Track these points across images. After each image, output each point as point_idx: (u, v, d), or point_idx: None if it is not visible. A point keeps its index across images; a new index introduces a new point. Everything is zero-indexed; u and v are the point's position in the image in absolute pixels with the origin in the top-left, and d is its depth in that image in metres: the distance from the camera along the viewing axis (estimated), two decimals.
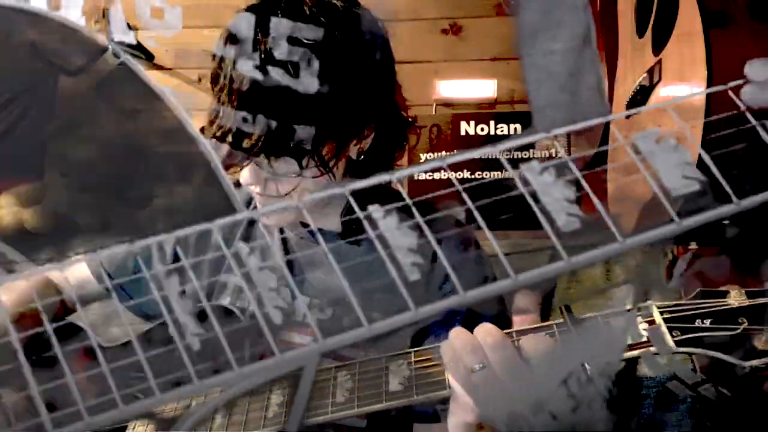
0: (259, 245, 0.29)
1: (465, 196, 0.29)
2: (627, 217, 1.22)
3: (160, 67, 1.96)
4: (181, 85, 1.95)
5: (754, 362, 0.55)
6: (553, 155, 1.83)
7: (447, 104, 1.93)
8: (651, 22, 1.09)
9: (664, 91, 1.00)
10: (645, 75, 1.05)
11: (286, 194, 0.77)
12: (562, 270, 0.28)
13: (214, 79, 0.77)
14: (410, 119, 0.87)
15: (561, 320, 0.63)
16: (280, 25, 0.71)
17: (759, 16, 0.86)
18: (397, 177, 0.30)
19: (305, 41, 0.71)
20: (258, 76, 0.70)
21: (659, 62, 1.02)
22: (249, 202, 0.93)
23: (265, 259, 0.27)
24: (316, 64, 0.71)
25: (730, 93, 0.34)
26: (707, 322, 0.58)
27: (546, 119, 0.67)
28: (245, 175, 0.77)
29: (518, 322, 0.64)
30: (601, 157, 1.36)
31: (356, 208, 0.29)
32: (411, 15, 1.90)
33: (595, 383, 0.65)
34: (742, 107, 0.33)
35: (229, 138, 0.73)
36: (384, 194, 0.32)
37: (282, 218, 0.82)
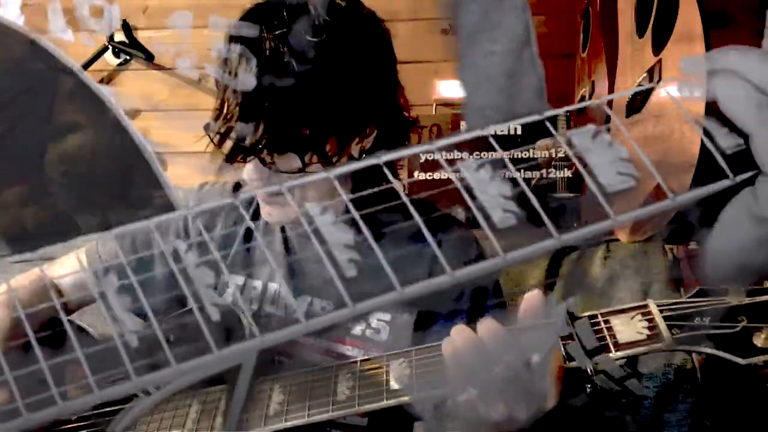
0: (196, 241, 0.29)
1: (466, 195, 0.29)
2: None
3: (160, 67, 1.95)
4: (181, 85, 1.95)
5: (753, 360, 0.55)
6: (553, 156, 1.83)
7: (447, 104, 1.93)
8: (651, 22, 1.09)
9: (664, 91, 1.00)
10: (645, 75, 1.05)
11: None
12: (552, 247, 0.28)
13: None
14: (412, 119, 0.88)
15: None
16: (284, 25, 0.72)
17: (759, 15, 0.86)
18: (384, 160, 0.30)
19: (309, 40, 0.71)
20: (262, 75, 0.71)
21: (659, 62, 1.02)
22: (250, 202, 0.94)
23: (203, 255, 0.27)
24: (319, 63, 0.71)
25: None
26: (706, 320, 0.58)
27: (484, 121, 0.68)
28: (248, 172, 0.78)
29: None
30: None
31: (344, 196, 0.30)
32: (411, 15, 1.90)
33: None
34: (683, 110, 0.34)
35: (233, 135, 0.73)
36: (387, 194, 0.32)
37: (283, 216, 0.82)
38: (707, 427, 1.28)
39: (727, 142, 0.33)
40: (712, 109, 0.36)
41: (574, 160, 0.29)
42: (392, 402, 0.63)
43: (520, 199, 0.29)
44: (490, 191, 0.28)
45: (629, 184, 0.29)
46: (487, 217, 0.29)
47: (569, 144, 0.30)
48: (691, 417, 1.27)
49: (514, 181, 0.28)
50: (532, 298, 0.63)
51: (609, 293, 1.40)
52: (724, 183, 0.31)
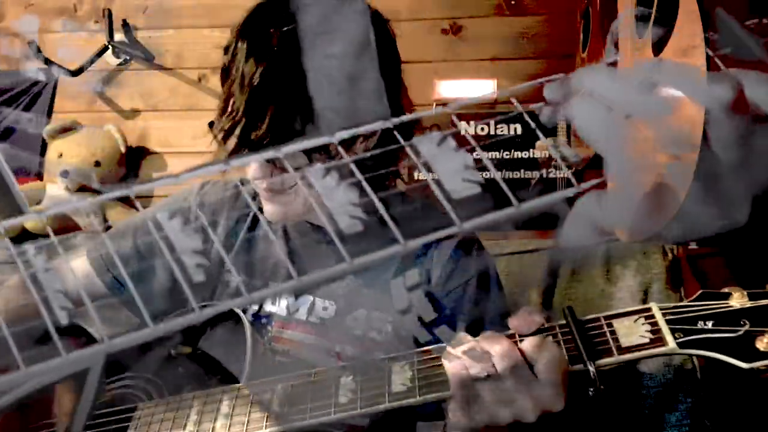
0: (45, 245, 0.30)
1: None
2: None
3: (160, 67, 1.95)
4: (181, 85, 1.95)
5: (756, 364, 0.55)
6: (551, 157, 1.83)
7: (447, 104, 1.93)
8: (651, 22, 1.08)
9: (664, 91, 0.99)
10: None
11: (291, 187, 0.77)
12: (397, 253, 0.28)
13: (225, 73, 0.78)
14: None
15: (563, 322, 0.62)
16: (291, 21, 0.72)
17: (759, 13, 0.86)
18: (337, 138, 0.31)
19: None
20: (270, 71, 0.71)
21: (659, 62, 1.01)
22: (254, 197, 0.93)
23: (51, 258, 0.28)
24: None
25: (514, 101, 0.35)
26: (709, 324, 0.58)
27: (326, 122, 0.69)
28: (252, 171, 0.78)
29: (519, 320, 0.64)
30: (600, 158, 1.36)
31: (289, 168, 0.30)
32: (411, 15, 1.90)
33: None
34: (534, 125, 0.35)
35: (238, 130, 0.73)
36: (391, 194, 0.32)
37: (286, 214, 0.82)
38: (707, 427, 1.28)
39: (571, 151, 0.35)
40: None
41: (420, 168, 0.30)
42: (394, 404, 0.62)
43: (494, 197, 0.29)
44: (337, 197, 0.28)
45: (474, 191, 0.29)
46: (334, 223, 0.30)
47: (415, 151, 0.31)
48: (691, 417, 1.27)
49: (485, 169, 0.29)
50: (529, 314, 0.63)
51: (609, 293, 1.40)
52: (569, 191, 0.32)
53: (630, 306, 0.63)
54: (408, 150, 0.30)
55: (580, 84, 0.38)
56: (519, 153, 1.83)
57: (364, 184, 0.30)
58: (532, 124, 0.32)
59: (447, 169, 0.30)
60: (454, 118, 0.38)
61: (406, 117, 0.33)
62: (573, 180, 0.33)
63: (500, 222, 0.29)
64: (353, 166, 0.31)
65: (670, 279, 1.38)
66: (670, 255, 1.41)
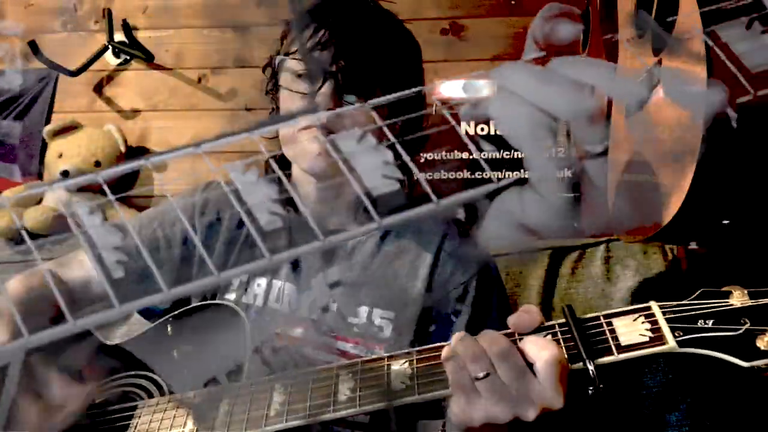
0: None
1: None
2: (632, 207, 1.22)
3: (160, 67, 1.95)
4: (181, 85, 1.95)
5: (757, 363, 0.55)
6: (553, 155, 1.83)
7: (446, 104, 1.93)
8: (651, 21, 1.08)
9: (583, 88, 0.99)
10: (645, 75, 1.04)
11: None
12: (319, 249, 0.29)
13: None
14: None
15: (563, 320, 0.62)
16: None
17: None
18: (257, 133, 0.31)
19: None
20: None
21: (659, 62, 1.02)
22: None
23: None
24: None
25: (435, 99, 0.36)
26: (710, 323, 0.58)
27: None
28: (320, 98, 0.82)
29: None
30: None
31: (266, 153, 0.31)
32: (411, 15, 1.90)
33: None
34: (454, 125, 0.36)
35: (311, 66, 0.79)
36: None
37: (325, 166, 0.85)
38: (707, 427, 1.28)
39: (489, 146, 0.36)
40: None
41: (341, 165, 0.30)
42: (394, 403, 0.62)
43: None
44: (258, 193, 0.29)
45: (393, 188, 0.30)
46: (254, 220, 0.30)
47: (335, 148, 0.31)
48: (691, 417, 1.27)
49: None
50: (528, 312, 0.63)
51: (609, 293, 1.40)
52: (488, 187, 0.32)
53: (630, 306, 0.63)
54: (328, 146, 0.30)
55: (500, 82, 0.38)
56: (519, 153, 1.83)
57: (398, 147, 0.30)
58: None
59: (367, 165, 0.30)
60: (376, 118, 0.38)
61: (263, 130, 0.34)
62: (490, 173, 0.33)
63: (420, 218, 0.29)
64: (274, 164, 0.33)
65: (670, 279, 1.38)
66: (670, 255, 1.41)
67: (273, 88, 0.94)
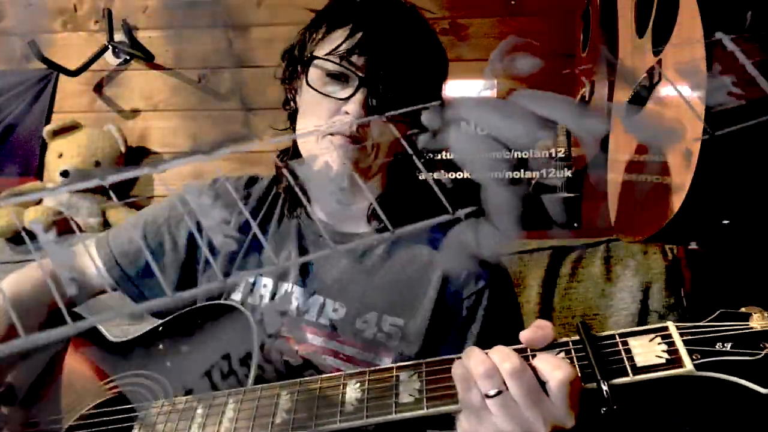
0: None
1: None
2: (631, 213, 1.22)
3: (160, 67, 1.95)
4: (181, 85, 1.95)
5: None
6: (553, 155, 1.83)
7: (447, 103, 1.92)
8: (651, 22, 1.08)
9: (664, 91, 1.00)
10: (645, 75, 1.04)
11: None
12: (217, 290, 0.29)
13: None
14: None
15: (576, 338, 0.62)
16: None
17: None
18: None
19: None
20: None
21: (659, 62, 1.01)
22: (264, 199, 0.95)
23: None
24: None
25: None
26: (728, 346, 0.56)
27: None
28: (353, 104, 0.80)
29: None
30: (599, 159, 1.36)
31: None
32: None
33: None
34: (411, 153, 0.37)
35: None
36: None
37: (348, 158, 0.83)
38: (707, 427, 1.28)
39: (444, 178, 0.37)
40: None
41: (296, 190, 0.31)
42: (402, 416, 0.61)
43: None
44: (213, 216, 0.29)
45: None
46: (209, 242, 0.31)
47: (293, 175, 0.32)
48: (691, 419, 1.27)
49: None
50: (542, 328, 0.62)
51: (609, 293, 1.40)
52: (444, 217, 0.33)
53: (629, 306, 0.62)
54: (284, 171, 0.31)
55: (456, 113, 0.38)
56: (518, 153, 1.83)
57: (415, 159, 0.30)
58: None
59: (322, 191, 0.31)
60: (405, 144, 0.40)
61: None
62: (446, 203, 0.34)
63: (374, 245, 0.31)
64: (404, 141, 0.32)
65: (670, 279, 1.38)
66: (670, 255, 1.41)
67: (289, 78, 0.91)
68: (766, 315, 0.57)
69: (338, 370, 0.82)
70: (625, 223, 1.20)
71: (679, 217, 0.90)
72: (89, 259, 0.94)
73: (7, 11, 2.00)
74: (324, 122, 0.82)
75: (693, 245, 1.18)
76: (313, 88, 0.83)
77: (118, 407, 0.77)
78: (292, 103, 0.92)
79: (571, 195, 1.84)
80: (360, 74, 0.80)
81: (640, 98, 1.08)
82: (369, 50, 0.80)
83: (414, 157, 0.37)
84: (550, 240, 1.46)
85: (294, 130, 0.92)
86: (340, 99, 0.81)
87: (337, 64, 0.81)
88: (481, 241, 0.41)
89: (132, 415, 0.75)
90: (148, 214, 0.97)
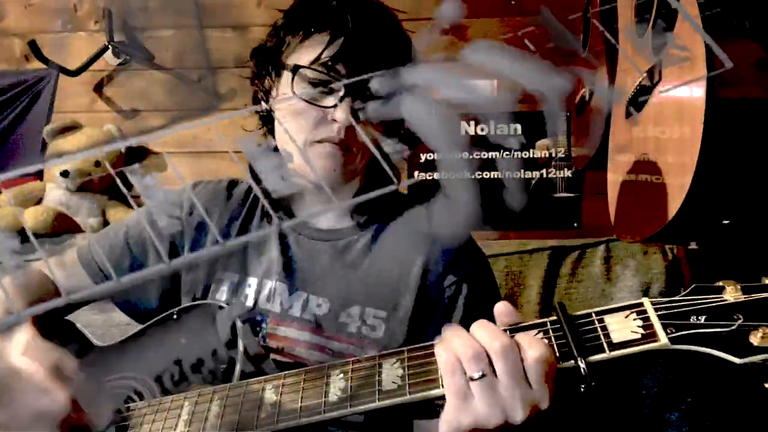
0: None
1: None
2: (632, 213, 1.22)
3: (160, 67, 1.95)
4: (181, 85, 1.95)
5: (750, 359, 0.54)
6: (553, 155, 1.83)
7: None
8: (651, 22, 1.08)
9: (664, 91, 1.00)
10: (645, 75, 1.04)
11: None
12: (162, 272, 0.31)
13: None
14: None
15: (554, 318, 0.62)
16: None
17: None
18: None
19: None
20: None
21: (659, 62, 1.02)
22: (246, 199, 0.94)
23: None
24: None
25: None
26: (702, 319, 0.57)
27: None
28: (341, 112, 0.80)
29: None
30: (600, 159, 1.36)
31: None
32: (411, 15, 1.90)
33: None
34: (353, 123, 0.37)
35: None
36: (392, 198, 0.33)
37: (339, 173, 0.84)
38: (707, 427, 1.28)
39: (394, 148, 0.38)
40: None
41: (242, 169, 0.31)
42: (385, 403, 0.62)
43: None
44: (157, 197, 0.30)
45: (293, 190, 0.31)
46: (152, 222, 0.32)
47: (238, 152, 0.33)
48: (691, 417, 1.27)
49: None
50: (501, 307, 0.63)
51: (609, 293, 1.40)
52: (390, 187, 0.34)
53: (621, 303, 0.62)
54: (230, 152, 0.32)
55: (409, 79, 0.38)
56: (519, 153, 1.83)
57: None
58: None
59: (267, 168, 0.32)
60: (351, 120, 0.40)
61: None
62: (390, 173, 0.34)
63: (206, 257, 0.32)
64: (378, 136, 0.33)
65: (670, 279, 1.38)
66: (670, 255, 1.41)
67: (257, 76, 0.91)
68: (739, 287, 0.57)
69: None
70: (625, 223, 1.21)
71: (679, 217, 0.90)
72: (72, 267, 0.95)
73: (7, 11, 2.00)
74: (310, 129, 0.82)
75: (693, 245, 1.18)
76: (302, 99, 0.82)
77: None
78: (263, 104, 0.92)
79: (571, 195, 1.84)
80: (345, 83, 0.80)
81: (640, 98, 1.08)
82: (351, 56, 0.80)
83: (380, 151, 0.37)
84: (550, 240, 1.46)
85: (269, 132, 0.93)
86: (328, 107, 0.81)
87: (321, 72, 0.81)
88: (435, 221, 0.41)
89: (121, 416, 0.76)
90: (130, 220, 0.99)
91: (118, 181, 0.33)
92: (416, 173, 1.83)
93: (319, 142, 0.82)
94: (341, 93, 0.80)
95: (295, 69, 0.82)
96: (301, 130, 0.82)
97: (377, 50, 0.81)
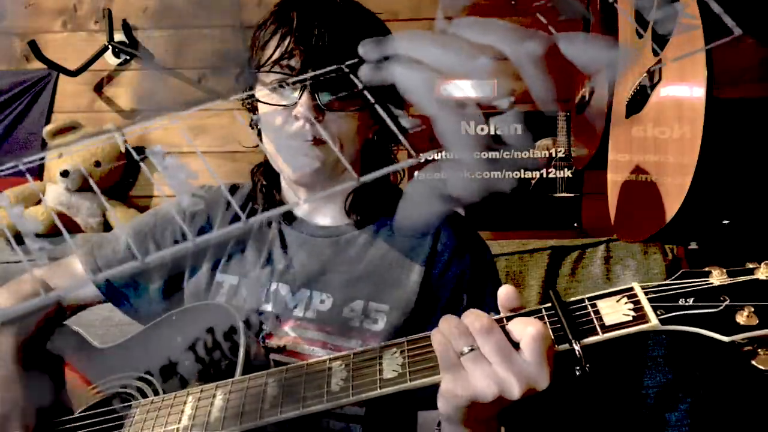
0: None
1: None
2: (630, 212, 1.22)
3: (160, 67, 1.95)
4: (181, 85, 1.95)
5: (737, 337, 0.56)
6: (554, 155, 1.83)
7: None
8: (651, 22, 1.09)
9: (664, 92, 1.00)
10: (645, 75, 1.05)
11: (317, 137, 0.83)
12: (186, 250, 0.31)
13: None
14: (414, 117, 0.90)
15: (549, 304, 0.63)
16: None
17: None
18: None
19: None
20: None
21: (659, 62, 1.02)
22: (246, 202, 0.95)
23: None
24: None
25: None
26: (690, 301, 0.59)
27: None
28: (300, 107, 0.80)
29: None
30: (600, 158, 1.36)
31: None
32: (411, 15, 1.90)
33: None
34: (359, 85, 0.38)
35: (294, 62, 0.80)
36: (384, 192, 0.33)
37: (314, 167, 0.84)
38: (707, 427, 1.28)
39: (411, 123, 0.39)
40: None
41: (150, 177, 0.31)
42: (386, 390, 0.63)
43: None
44: (179, 176, 0.30)
45: (198, 207, 0.32)
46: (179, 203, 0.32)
47: (152, 165, 0.33)
48: (691, 417, 1.27)
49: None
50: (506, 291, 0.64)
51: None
52: (409, 161, 0.35)
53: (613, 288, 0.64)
54: (142, 166, 0.32)
55: (399, 47, 0.39)
56: (519, 153, 1.83)
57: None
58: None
59: (176, 181, 0.32)
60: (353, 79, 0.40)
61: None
62: (411, 151, 0.35)
63: (179, 255, 0.31)
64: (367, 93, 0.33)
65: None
66: (670, 255, 1.41)
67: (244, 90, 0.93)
68: (725, 271, 0.60)
69: None
70: (625, 223, 1.21)
71: (678, 217, 0.91)
72: (69, 273, 0.96)
73: (7, 11, 2.00)
74: (279, 129, 0.83)
75: (693, 245, 1.18)
76: (263, 103, 0.84)
77: (108, 408, 0.79)
78: (253, 116, 0.93)
79: (571, 195, 1.84)
80: (298, 78, 0.81)
81: (640, 97, 1.08)
82: (301, 48, 0.80)
83: (378, 108, 0.37)
84: (550, 240, 1.46)
85: (258, 135, 0.95)
86: (288, 106, 0.82)
87: (277, 72, 0.82)
88: (446, 179, 0.41)
89: (122, 414, 0.76)
90: (134, 223, 1.00)
91: (135, 154, 0.33)
92: (416, 173, 1.83)
93: (291, 139, 0.83)
94: (298, 89, 0.81)
95: (254, 71, 0.85)
96: (272, 130, 0.84)
97: (329, 33, 0.81)
